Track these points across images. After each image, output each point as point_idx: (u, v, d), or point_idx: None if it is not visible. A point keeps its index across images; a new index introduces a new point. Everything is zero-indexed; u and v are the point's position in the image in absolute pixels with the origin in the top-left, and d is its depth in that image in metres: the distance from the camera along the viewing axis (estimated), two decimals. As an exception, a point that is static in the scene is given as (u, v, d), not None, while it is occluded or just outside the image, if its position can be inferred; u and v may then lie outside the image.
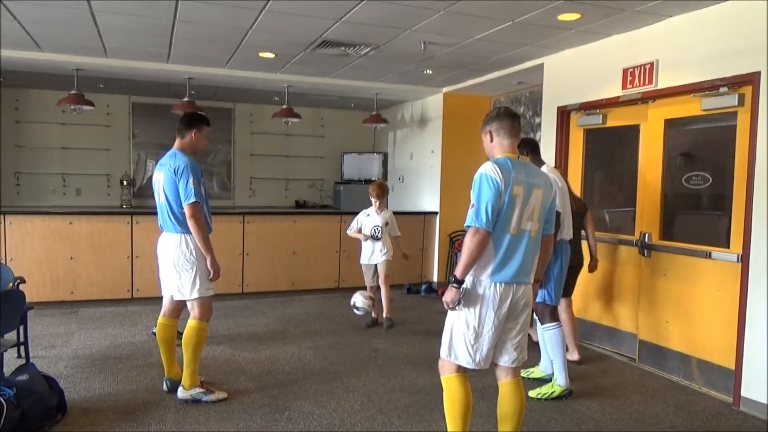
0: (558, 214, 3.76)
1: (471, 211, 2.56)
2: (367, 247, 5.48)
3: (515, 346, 2.70)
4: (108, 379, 4.03)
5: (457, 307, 2.60)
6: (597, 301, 5.04)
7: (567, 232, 3.98)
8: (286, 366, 4.39)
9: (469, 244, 2.54)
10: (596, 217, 5.26)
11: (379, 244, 5.44)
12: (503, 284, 2.58)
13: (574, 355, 4.51)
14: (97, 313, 5.88)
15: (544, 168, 3.93)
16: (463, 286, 2.59)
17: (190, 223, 3.49)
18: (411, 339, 5.21)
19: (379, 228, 5.44)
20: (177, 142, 3.67)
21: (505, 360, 2.71)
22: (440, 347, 2.70)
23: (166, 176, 3.55)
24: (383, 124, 8.15)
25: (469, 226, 2.54)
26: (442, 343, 2.70)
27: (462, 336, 2.64)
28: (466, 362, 2.64)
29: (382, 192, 5.48)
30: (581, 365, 4.50)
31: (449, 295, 2.61)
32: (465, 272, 2.57)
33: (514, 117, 2.72)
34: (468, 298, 2.61)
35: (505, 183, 2.53)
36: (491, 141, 2.72)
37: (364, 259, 5.52)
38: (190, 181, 3.48)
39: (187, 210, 3.49)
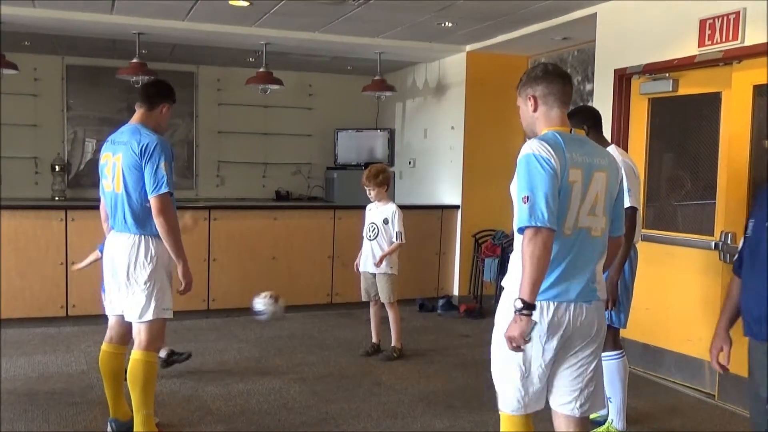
0: (634, 210, 3.74)
1: (524, 207, 2.41)
2: (364, 248, 5.49)
3: (579, 388, 2.60)
4: (37, 419, 4.03)
5: (524, 344, 2.44)
6: (663, 321, 5.03)
7: (637, 235, 3.96)
8: (264, 404, 4.38)
9: (531, 251, 2.37)
10: (664, 213, 5.23)
11: (374, 246, 5.37)
12: (556, 303, 2.50)
13: None
14: (22, 335, 5.90)
15: (611, 149, 3.92)
16: (535, 312, 2.43)
17: (159, 221, 3.48)
18: (424, 370, 5.21)
19: (375, 227, 5.40)
20: (140, 114, 3.67)
21: (565, 407, 2.63)
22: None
23: (126, 157, 3.52)
24: (389, 93, 8.13)
25: (524, 228, 2.40)
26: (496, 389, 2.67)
27: (502, 377, 2.61)
28: (512, 408, 2.59)
29: (377, 178, 5.35)
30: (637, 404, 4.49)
31: (517, 328, 2.39)
32: (534, 291, 2.39)
33: (567, 78, 2.67)
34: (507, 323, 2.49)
35: (561, 166, 2.44)
36: (534, 110, 2.64)
37: (361, 265, 5.53)
38: (162, 164, 3.47)
39: (155, 203, 3.47)
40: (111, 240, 3.66)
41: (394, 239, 5.34)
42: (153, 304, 3.55)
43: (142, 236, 3.55)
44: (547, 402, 2.67)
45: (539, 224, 2.37)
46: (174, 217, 3.54)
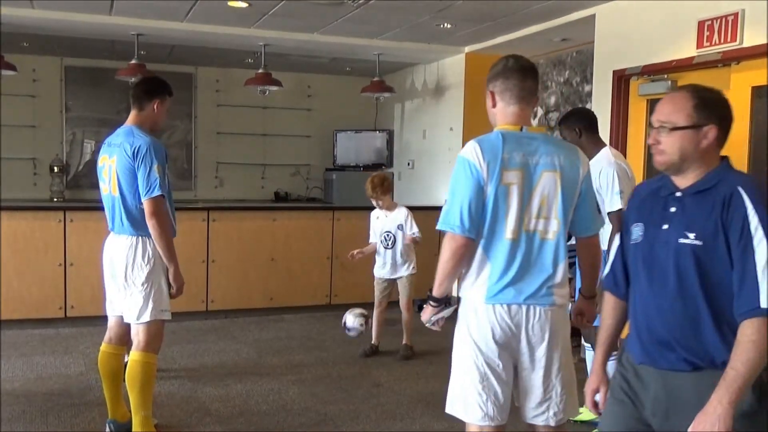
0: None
1: (444, 209, 2.52)
2: (382, 256, 5.50)
3: (547, 396, 2.55)
4: (35, 420, 4.03)
5: (435, 325, 2.71)
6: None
7: None
8: (263, 405, 4.39)
9: (443, 253, 2.53)
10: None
11: (393, 254, 5.43)
12: (506, 306, 2.49)
13: None
14: (20, 336, 5.89)
15: (605, 151, 3.92)
16: (451, 305, 2.65)
17: (151, 223, 3.49)
18: (423, 371, 5.22)
19: (391, 235, 5.43)
20: (133, 116, 3.68)
21: (539, 417, 2.57)
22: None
23: (120, 160, 3.53)
24: (388, 94, 8.14)
25: (442, 230, 2.53)
26: (448, 392, 2.65)
27: (461, 381, 2.58)
28: (474, 417, 2.53)
29: (383, 186, 5.38)
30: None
31: (425, 314, 2.70)
32: (441, 289, 2.60)
33: (527, 72, 2.62)
34: (461, 328, 2.59)
35: (489, 170, 2.44)
36: (493, 106, 2.63)
37: (376, 270, 5.56)
38: (155, 167, 3.48)
39: (147, 206, 3.48)
40: (110, 241, 3.68)
41: (416, 232, 5.39)
42: (151, 305, 3.55)
43: (140, 237, 3.56)
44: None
45: (449, 229, 2.49)
46: (166, 219, 3.55)
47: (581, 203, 2.61)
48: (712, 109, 2.05)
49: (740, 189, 1.97)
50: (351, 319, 5.33)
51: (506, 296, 2.49)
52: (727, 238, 1.95)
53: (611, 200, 3.75)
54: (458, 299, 2.64)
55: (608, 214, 3.76)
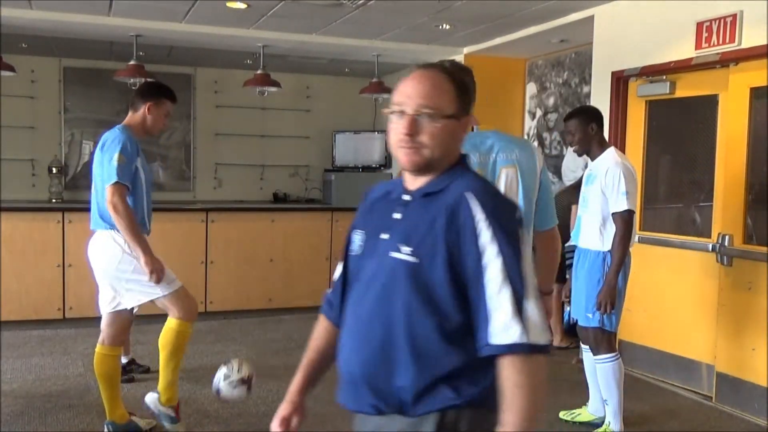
0: (631, 213, 3.74)
1: None
2: None
3: None
4: (34, 421, 4.04)
5: None
6: (660, 323, 5.03)
7: (633, 238, 3.96)
8: (262, 406, 4.38)
9: None
10: (661, 215, 5.24)
11: None
12: None
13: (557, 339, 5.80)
14: (18, 337, 5.89)
15: (611, 151, 3.92)
16: None
17: (109, 209, 3.54)
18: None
19: None
20: (127, 117, 3.81)
21: None
22: None
23: (95, 155, 3.71)
24: (387, 95, 8.12)
25: None
26: None
27: None
28: None
29: None
30: (635, 409, 4.49)
31: None
32: None
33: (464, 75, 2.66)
34: None
35: None
36: None
37: None
38: (115, 156, 3.55)
39: (107, 193, 3.55)
40: (92, 240, 3.77)
41: None
42: (157, 283, 3.64)
43: (117, 230, 3.62)
44: None
45: None
46: (125, 207, 3.55)
47: (541, 196, 2.66)
48: (470, 95, 1.73)
49: (468, 195, 1.58)
50: (227, 388, 3.47)
51: None
52: (451, 256, 1.55)
53: (617, 201, 3.73)
54: None
55: (613, 215, 3.75)
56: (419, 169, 1.65)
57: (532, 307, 1.51)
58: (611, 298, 3.73)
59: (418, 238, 1.59)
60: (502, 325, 1.50)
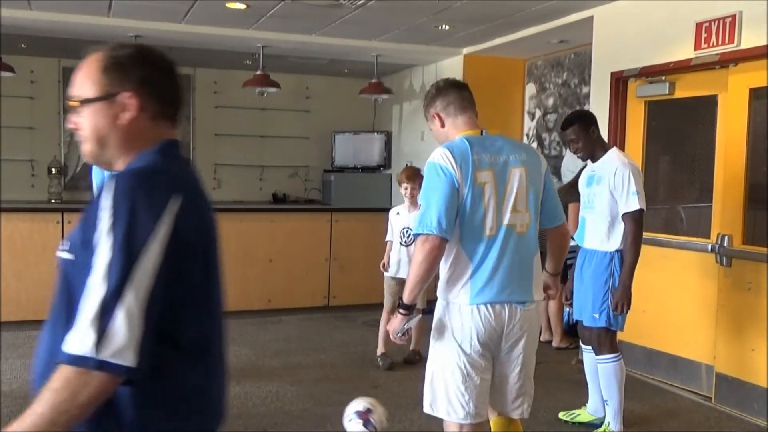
0: (642, 212, 3.75)
1: (418, 215, 2.59)
2: (398, 254, 5.34)
3: (522, 391, 2.69)
4: (32, 423, 4.03)
5: (404, 336, 2.71)
6: (660, 323, 5.03)
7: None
8: (261, 407, 4.39)
9: (416, 256, 2.56)
10: (661, 215, 5.24)
11: (410, 251, 5.24)
12: (489, 306, 2.57)
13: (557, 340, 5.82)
14: (19, 338, 5.88)
15: (615, 152, 3.92)
16: (416, 314, 2.70)
17: None
18: (422, 372, 5.19)
19: (410, 231, 5.26)
20: None
21: (514, 411, 2.72)
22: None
23: None
24: (386, 96, 8.13)
25: (417, 234, 2.56)
26: (424, 393, 2.72)
27: (443, 382, 2.63)
28: (456, 416, 2.60)
29: (420, 177, 5.30)
30: (633, 411, 4.49)
31: (393, 323, 2.70)
32: (414, 293, 2.62)
33: (461, 86, 2.81)
34: (442, 330, 2.63)
35: (462, 172, 2.53)
36: (442, 125, 2.77)
37: (390, 270, 5.39)
38: None
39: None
40: None
41: None
42: None
43: None
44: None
45: (426, 231, 2.50)
46: None
47: (547, 196, 2.74)
48: (127, 69, 1.50)
49: (111, 180, 1.39)
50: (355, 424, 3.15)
51: (489, 295, 2.56)
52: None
53: (627, 201, 3.73)
54: (424, 307, 2.69)
55: (623, 215, 3.75)
56: (95, 162, 1.57)
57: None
58: (627, 299, 3.75)
59: (74, 233, 1.50)
60: None
